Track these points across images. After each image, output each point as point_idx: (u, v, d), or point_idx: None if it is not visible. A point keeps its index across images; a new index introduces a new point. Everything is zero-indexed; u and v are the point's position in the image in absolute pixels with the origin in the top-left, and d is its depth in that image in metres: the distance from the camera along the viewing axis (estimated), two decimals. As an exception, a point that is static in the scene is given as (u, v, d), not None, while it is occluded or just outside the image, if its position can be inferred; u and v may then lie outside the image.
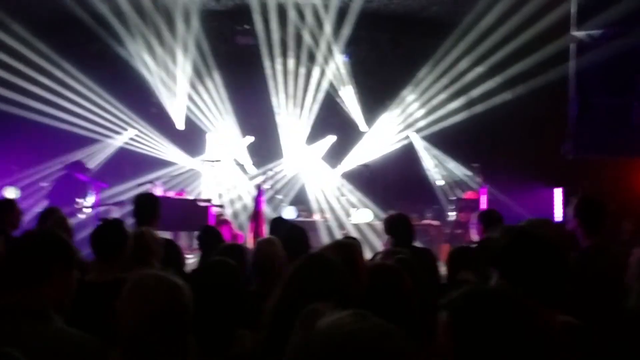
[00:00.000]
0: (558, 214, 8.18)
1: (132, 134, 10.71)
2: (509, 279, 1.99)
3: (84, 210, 7.82)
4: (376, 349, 0.80)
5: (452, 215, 9.22)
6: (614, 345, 1.98)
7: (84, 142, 10.15)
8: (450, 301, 1.24)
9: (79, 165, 8.02)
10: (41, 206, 8.63)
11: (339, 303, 1.73)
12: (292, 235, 3.84)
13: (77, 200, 7.63)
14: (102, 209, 7.78)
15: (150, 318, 1.69)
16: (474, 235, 4.58)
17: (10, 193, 8.90)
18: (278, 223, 4.95)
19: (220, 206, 8.87)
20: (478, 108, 9.97)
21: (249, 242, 6.37)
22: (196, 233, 4.73)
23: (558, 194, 8.49)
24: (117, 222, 3.04)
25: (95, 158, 10.39)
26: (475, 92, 10.04)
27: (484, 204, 8.43)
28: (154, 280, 1.78)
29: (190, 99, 10.83)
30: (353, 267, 2.52)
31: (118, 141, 10.68)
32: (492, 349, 1.15)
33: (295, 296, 1.97)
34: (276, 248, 3.31)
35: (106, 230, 2.96)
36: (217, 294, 2.33)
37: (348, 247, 2.97)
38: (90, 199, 7.85)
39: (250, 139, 11.01)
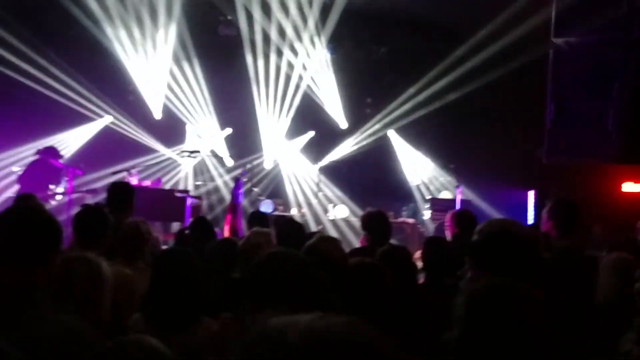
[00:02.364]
0: (530, 216, 8.33)
1: (108, 121, 10.53)
2: (484, 269, 2.06)
3: (57, 196, 7.67)
4: (341, 339, 0.77)
5: (427, 214, 9.32)
6: (585, 337, 2.06)
7: (59, 127, 9.94)
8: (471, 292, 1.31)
9: (52, 151, 7.85)
10: (12, 191, 8.45)
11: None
12: (290, 230, 3.90)
13: (50, 186, 7.48)
14: (75, 196, 7.63)
15: None
16: (448, 235, 4.64)
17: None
18: (256, 217, 4.95)
19: (198, 197, 8.79)
20: (456, 109, 10.07)
21: (225, 235, 6.33)
22: (176, 224, 4.72)
23: (531, 196, 8.64)
24: (100, 208, 3.02)
25: (69, 144, 10.19)
26: (453, 95, 10.15)
27: (458, 204, 8.54)
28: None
29: (169, 88, 10.70)
30: (342, 261, 2.55)
31: (94, 128, 10.49)
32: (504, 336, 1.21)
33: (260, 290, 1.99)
34: (266, 239, 3.32)
35: (89, 215, 2.93)
36: (174, 281, 2.38)
37: (337, 241, 3.02)
38: (63, 186, 7.69)
39: (229, 131, 10.93)
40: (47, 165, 7.59)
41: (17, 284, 1.64)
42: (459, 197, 8.47)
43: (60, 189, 7.59)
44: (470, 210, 5.60)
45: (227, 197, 9.80)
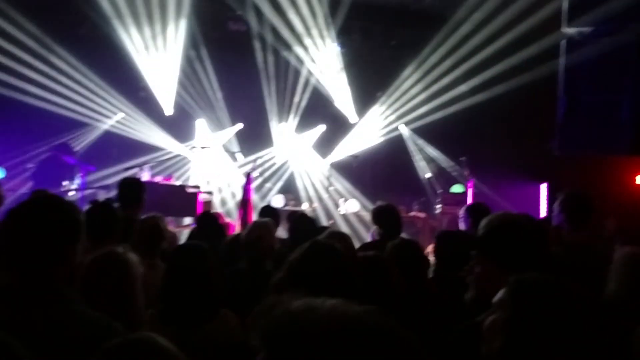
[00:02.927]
0: (543, 210, 8.27)
1: (119, 117, 10.60)
2: (490, 262, 2.07)
3: (70, 193, 7.75)
4: (364, 326, 0.78)
5: (438, 208, 9.29)
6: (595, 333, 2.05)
7: (71, 124, 10.03)
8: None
9: (65, 147, 7.94)
10: (26, 187, 8.55)
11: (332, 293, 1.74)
12: (301, 225, 3.93)
13: (63, 182, 7.56)
14: (88, 192, 7.71)
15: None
16: (462, 227, 4.62)
17: (-5, 174, 8.80)
18: (267, 211, 4.97)
19: (209, 193, 8.84)
20: (467, 102, 10.01)
21: (237, 230, 6.37)
22: (188, 219, 4.76)
23: (543, 189, 8.57)
24: (108, 203, 3.05)
25: (82, 141, 10.29)
26: (465, 86, 10.08)
27: (470, 197, 8.49)
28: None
29: (180, 84, 10.74)
30: (353, 256, 2.57)
31: (106, 124, 10.57)
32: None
33: (298, 280, 2.00)
34: (268, 230, 3.36)
35: (98, 211, 2.96)
36: (190, 276, 2.40)
37: (346, 237, 3.03)
38: (76, 182, 7.77)
39: (239, 126, 10.96)
40: (60, 162, 7.68)
41: (37, 280, 1.57)
42: (470, 191, 8.44)
43: (73, 185, 7.67)
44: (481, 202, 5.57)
45: (239, 192, 9.84)
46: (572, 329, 1.25)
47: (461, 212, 4.68)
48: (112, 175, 9.03)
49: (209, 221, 4.32)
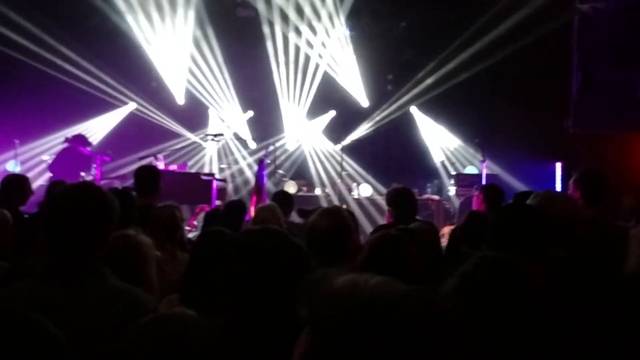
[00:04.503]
0: (558, 188, 8.21)
1: (132, 108, 10.67)
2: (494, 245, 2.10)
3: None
4: (414, 304, 0.77)
5: (452, 190, 9.26)
6: (612, 310, 2.05)
7: (85, 115, 10.12)
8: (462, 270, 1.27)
9: (81, 139, 8.02)
10: (42, 179, 8.67)
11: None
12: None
13: (81, 173, 7.65)
14: (104, 182, 7.80)
15: None
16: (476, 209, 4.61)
17: (11, 167, 8.92)
18: (280, 197, 5.01)
19: (223, 180, 8.90)
20: (479, 82, 9.91)
21: (252, 216, 6.42)
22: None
23: (558, 168, 8.51)
24: (126, 192, 3.09)
25: (97, 132, 10.39)
26: (477, 67, 9.96)
27: (484, 178, 8.45)
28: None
29: (191, 72, 10.77)
30: (346, 232, 2.56)
31: (119, 115, 10.65)
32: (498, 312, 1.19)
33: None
34: (274, 213, 3.39)
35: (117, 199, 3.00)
36: (214, 263, 2.41)
37: (338, 213, 3.01)
38: (92, 172, 7.87)
39: (251, 113, 10.99)
40: (76, 153, 7.77)
41: (83, 261, 1.70)
42: (484, 172, 8.39)
43: (90, 176, 7.76)
44: (498, 184, 5.56)
45: (252, 179, 9.89)
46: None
47: (476, 194, 4.67)
48: (127, 164, 9.13)
49: (232, 208, 4.38)
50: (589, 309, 2.00)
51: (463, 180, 9.05)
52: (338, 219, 2.83)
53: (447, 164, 10.39)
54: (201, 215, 6.17)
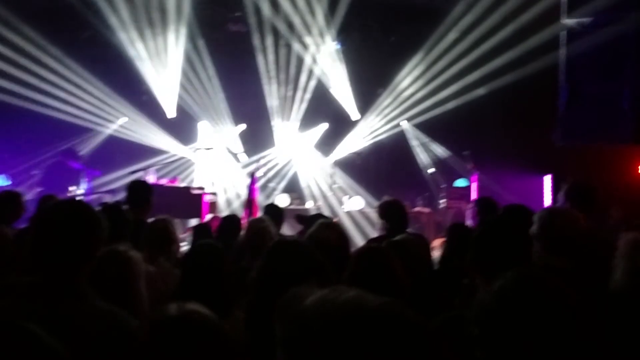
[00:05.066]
0: (547, 201, 8.28)
1: (122, 122, 10.65)
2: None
3: (76, 198, 7.80)
4: (378, 314, 0.78)
5: (442, 202, 9.30)
6: (601, 321, 2.06)
7: (75, 129, 10.09)
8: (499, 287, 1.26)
9: (71, 153, 7.99)
10: (32, 194, 8.61)
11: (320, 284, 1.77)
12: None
13: (70, 187, 7.61)
14: (94, 196, 7.76)
15: None
16: (470, 223, 4.64)
17: (0, 181, 8.85)
18: (271, 210, 5.01)
19: (214, 194, 8.88)
20: (468, 96, 10.02)
21: (244, 230, 6.41)
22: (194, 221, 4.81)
23: (547, 181, 8.58)
24: (117, 206, 3.08)
25: (86, 145, 10.34)
26: (466, 80, 10.09)
27: (474, 191, 8.51)
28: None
29: (182, 86, 10.79)
30: (344, 244, 2.58)
31: (109, 129, 10.63)
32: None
33: (272, 279, 2.03)
34: (266, 225, 3.40)
35: (108, 214, 2.99)
36: (207, 275, 2.42)
37: (337, 226, 3.04)
38: (82, 187, 7.83)
39: (242, 127, 11.01)
40: (66, 167, 7.74)
41: (67, 280, 1.67)
42: (474, 184, 8.46)
43: (79, 190, 7.72)
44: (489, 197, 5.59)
45: (243, 192, 9.89)
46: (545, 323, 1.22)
47: (469, 207, 4.69)
48: (118, 179, 9.09)
49: (228, 222, 4.39)
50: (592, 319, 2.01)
51: (453, 193, 9.11)
52: (342, 231, 2.86)
53: (437, 176, 10.45)
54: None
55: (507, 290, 1.26)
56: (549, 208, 2.98)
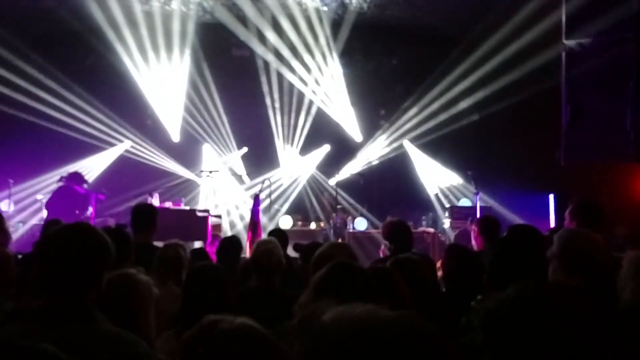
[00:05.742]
0: (552, 220, 8.26)
1: (127, 146, 10.73)
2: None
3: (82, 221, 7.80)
4: (398, 330, 0.78)
5: (447, 222, 9.28)
6: (609, 341, 2.05)
7: (80, 154, 10.16)
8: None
9: (76, 177, 8.02)
10: (37, 219, 8.63)
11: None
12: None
13: (76, 212, 7.63)
14: (98, 220, 7.77)
15: None
16: (473, 243, 4.62)
17: (5, 207, 8.88)
18: (276, 232, 5.01)
19: (218, 216, 8.89)
20: (472, 117, 10.09)
21: (248, 252, 6.39)
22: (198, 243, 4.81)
23: (551, 199, 8.57)
24: (121, 230, 3.09)
25: (91, 170, 10.40)
26: (469, 101, 10.16)
27: (478, 211, 8.49)
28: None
29: (187, 110, 10.89)
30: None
31: (114, 153, 10.69)
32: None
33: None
34: (273, 246, 3.40)
35: (112, 237, 3.00)
36: (206, 297, 2.43)
37: (346, 246, 3.04)
38: (87, 211, 7.84)
39: (245, 149, 11.07)
40: (71, 192, 7.76)
41: (75, 303, 1.67)
42: (478, 204, 8.44)
43: (85, 215, 7.74)
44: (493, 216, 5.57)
45: (247, 214, 9.88)
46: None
47: (472, 228, 4.68)
48: (122, 202, 9.11)
49: (229, 243, 4.39)
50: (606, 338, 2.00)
51: (457, 213, 9.08)
52: (350, 250, 2.86)
53: (441, 196, 10.45)
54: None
55: (513, 298, 1.26)
56: (570, 229, 2.98)
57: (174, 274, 3.36)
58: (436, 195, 10.48)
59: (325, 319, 0.82)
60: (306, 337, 0.81)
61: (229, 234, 8.74)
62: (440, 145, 10.46)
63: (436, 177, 10.75)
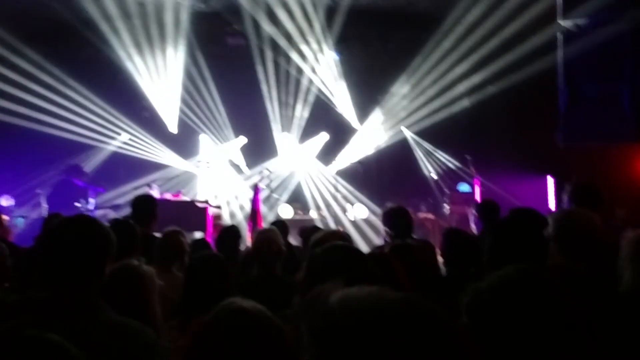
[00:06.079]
0: (551, 202, 8.28)
1: (125, 138, 10.71)
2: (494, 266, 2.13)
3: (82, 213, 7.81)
4: (404, 310, 0.79)
5: (446, 208, 9.30)
6: (609, 325, 2.05)
7: (78, 148, 10.15)
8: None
9: (75, 170, 8.02)
10: (37, 212, 8.64)
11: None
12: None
13: (76, 204, 7.65)
14: (99, 212, 7.78)
15: None
16: (473, 227, 4.64)
17: (5, 201, 8.89)
18: (276, 222, 5.05)
19: (218, 207, 8.90)
20: (468, 100, 10.06)
21: (248, 242, 6.42)
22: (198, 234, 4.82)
23: (550, 182, 8.58)
24: (127, 222, 3.11)
25: (89, 163, 10.39)
26: (465, 85, 10.13)
27: (477, 195, 8.51)
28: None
29: (183, 101, 10.86)
30: None
31: (112, 146, 10.68)
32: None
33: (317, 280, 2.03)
34: (274, 234, 3.43)
35: (117, 228, 3.01)
36: (207, 286, 2.44)
37: (341, 233, 3.06)
38: (87, 204, 7.86)
39: (244, 139, 11.05)
40: (70, 185, 7.77)
41: (80, 295, 1.69)
42: (477, 189, 8.46)
43: (86, 207, 7.76)
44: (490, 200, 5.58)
45: (247, 204, 9.90)
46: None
47: (472, 212, 4.70)
48: (122, 195, 9.12)
49: (228, 233, 4.41)
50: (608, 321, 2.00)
51: (457, 198, 9.11)
52: (345, 237, 2.88)
53: (440, 182, 10.46)
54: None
55: (501, 281, 1.25)
56: (565, 210, 2.96)
57: (177, 260, 3.39)
58: (436, 181, 10.49)
59: (331, 300, 0.83)
60: (313, 319, 0.82)
61: (230, 223, 8.77)
62: (437, 130, 10.45)
63: (434, 163, 10.75)
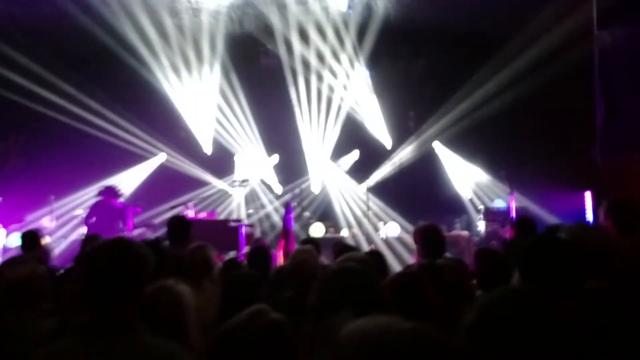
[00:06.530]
0: (589, 218, 8.05)
1: (163, 159, 10.98)
2: (528, 278, 2.08)
3: (121, 235, 8.01)
4: (410, 342, 0.80)
5: (481, 225, 9.15)
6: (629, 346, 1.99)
7: (117, 168, 10.43)
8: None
9: (112, 191, 8.23)
10: (77, 233, 8.90)
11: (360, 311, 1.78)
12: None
13: (114, 225, 7.84)
14: (136, 232, 7.96)
15: None
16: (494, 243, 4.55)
17: (47, 222, 9.18)
18: (307, 242, 5.05)
19: (251, 225, 8.99)
20: (502, 115, 9.92)
21: (280, 261, 6.45)
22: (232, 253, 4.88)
23: (588, 197, 8.36)
24: (155, 242, 3.18)
25: (128, 183, 10.67)
26: (501, 100, 10.00)
27: (512, 212, 8.35)
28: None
29: (218, 121, 11.08)
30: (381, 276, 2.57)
31: (150, 166, 10.96)
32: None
33: (327, 304, 2.04)
34: (310, 256, 3.41)
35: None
36: (242, 303, 2.47)
37: (365, 259, 3.05)
38: (125, 224, 8.05)
39: (276, 158, 11.17)
40: (108, 206, 7.97)
41: (118, 316, 1.74)
42: (513, 205, 8.30)
43: (123, 227, 7.94)
44: (529, 216, 5.49)
45: (279, 223, 9.97)
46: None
47: (507, 227, 4.62)
48: (159, 214, 9.32)
49: (258, 253, 4.44)
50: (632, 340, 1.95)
51: (491, 215, 8.94)
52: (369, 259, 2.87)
53: (474, 199, 10.30)
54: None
55: (490, 303, 1.23)
56: (578, 222, 2.87)
57: (206, 274, 3.48)
58: (470, 199, 10.33)
59: (343, 334, 0.85)
60: (325, 351, 0.85)
61: (262, 243, 8.82)
62: (471, 145, 10.33)
63: (469, 179, 10.61)
